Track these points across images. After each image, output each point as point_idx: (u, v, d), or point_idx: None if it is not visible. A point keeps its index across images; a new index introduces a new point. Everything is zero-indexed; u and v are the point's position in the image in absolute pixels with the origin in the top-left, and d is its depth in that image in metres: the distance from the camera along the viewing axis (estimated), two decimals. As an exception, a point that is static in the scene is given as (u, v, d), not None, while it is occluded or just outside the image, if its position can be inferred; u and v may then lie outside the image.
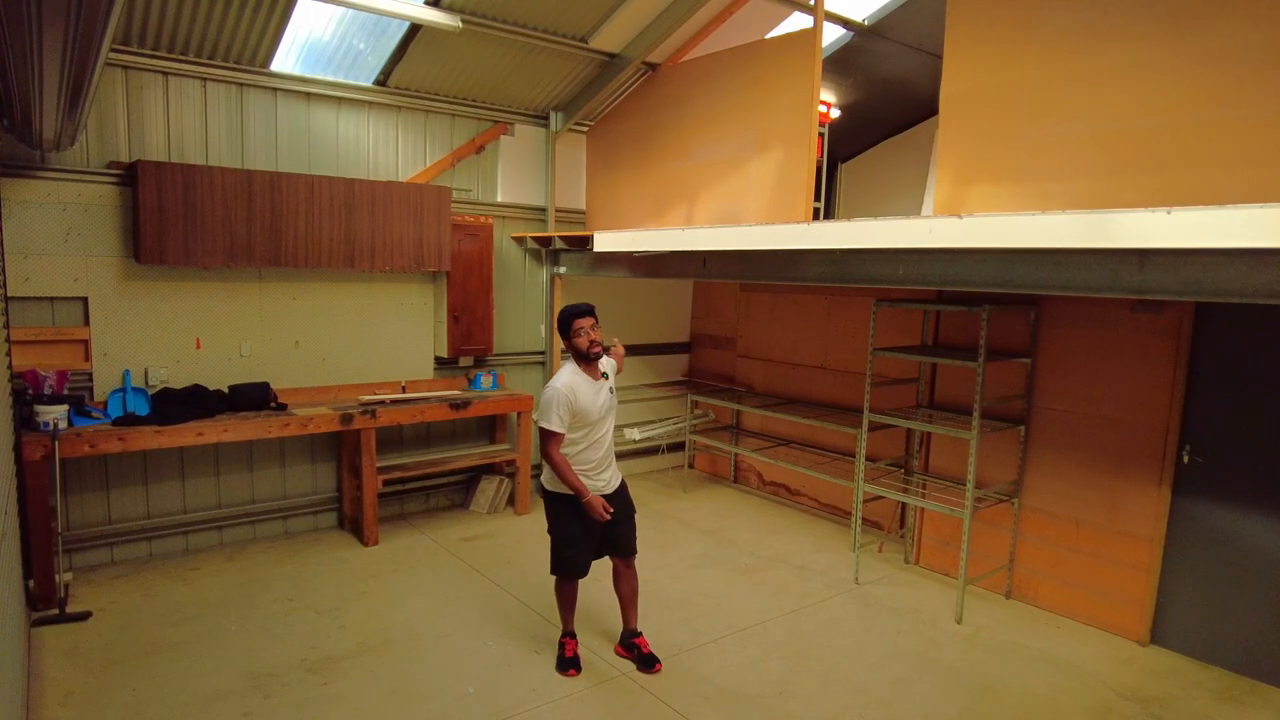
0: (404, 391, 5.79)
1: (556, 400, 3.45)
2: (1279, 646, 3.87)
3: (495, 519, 6.07)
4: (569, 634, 3.88)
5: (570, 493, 3.56)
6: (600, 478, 3.65)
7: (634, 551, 3.83)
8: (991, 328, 4.51)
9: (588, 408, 3.52)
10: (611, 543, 3.76)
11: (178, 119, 4.86)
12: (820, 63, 4.60)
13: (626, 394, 6.91)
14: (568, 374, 3.54)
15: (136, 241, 4.63)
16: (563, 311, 3.59)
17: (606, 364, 3.72)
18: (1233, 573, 4.01)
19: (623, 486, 3.80)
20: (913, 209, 7.00)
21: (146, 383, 4.87)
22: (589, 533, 3.64)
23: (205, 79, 4.90)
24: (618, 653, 3.95)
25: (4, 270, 4.19)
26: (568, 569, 3.70)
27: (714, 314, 7.48)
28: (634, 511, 3.83)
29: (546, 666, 3.83)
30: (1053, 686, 3.83)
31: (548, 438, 3.50)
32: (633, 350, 7.18)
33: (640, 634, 3.92)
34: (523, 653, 3.97)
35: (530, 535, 5.68)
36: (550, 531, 3.71)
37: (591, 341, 3.52)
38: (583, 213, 6.70)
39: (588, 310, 3.58)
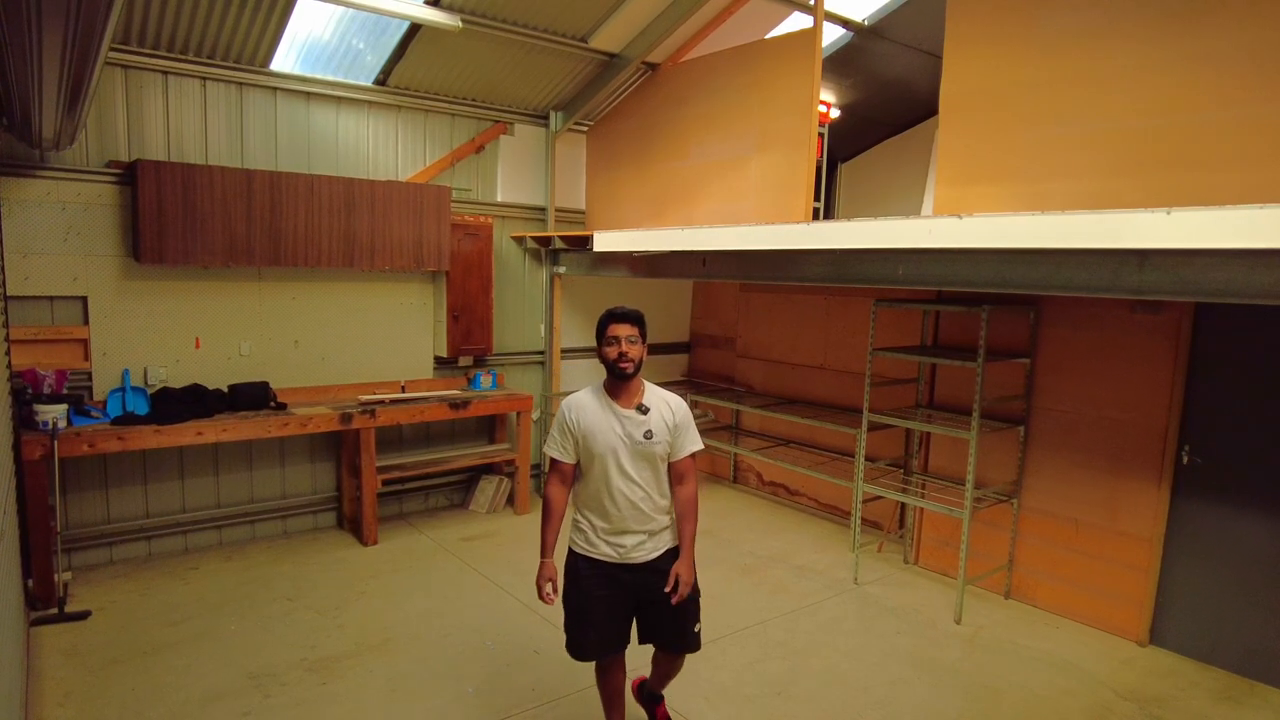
0: (403, 391, 5.79)
1: (557, 419, 2.88)
2: (1278, 647, 3.87)
3: (495, 519, 6.07)
4: None
5: (584, 552, 2.87)
6: (617, 541, 2.82)
7: (686, 649, 2.99)
8: (991, 328, 4.51)
9: (592, 434, 2.78)
10: (649, 629, 2.96)
11: (177, 118, 4.86)
12: (820, 63, 4.60)
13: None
14: (586, 390, 2.89)
15: (136, 241, 4.63)
16: (603, 313, 2.86)
17: (662, 402, 2.85)
18: (1232, 573, 4.01)
19: (665, 563, 2.86)
20: (913, 209, 7.00)
21: (146, 382, 4.87)
22: (598, 608, 2.86)
23: (205, 78, 4.90)
24: (633, 690, 3.35)
25: (3, 269, 4.19)
26: (572, 649, 2.94)
27: (714, 314, 7.48)
28: (692, 595, 2.88)
29: (546, 666, 3.82)
30: (1052, 686, 3.83)
31: (550, 467, 2.90)
32: (632, 350, 7.18)
33: (662, 700, 3.31)
34: (522, 653, 3.97)
35: (530, 535, 5.66)
36: (563, 599, 2.97)
37: (621, 355, 2.75)
38: (583, 213, 6.70)
39: (629, 316, 2.81)
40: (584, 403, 2.84)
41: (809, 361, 6.46)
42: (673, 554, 2.88)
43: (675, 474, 2.87)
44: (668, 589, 2.78)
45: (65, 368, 4.56)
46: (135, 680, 3.59)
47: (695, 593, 2.90)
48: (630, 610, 2.91)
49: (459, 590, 4.70)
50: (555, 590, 2.84)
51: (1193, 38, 3.13)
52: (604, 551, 2.83)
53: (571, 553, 2.92)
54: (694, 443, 2.88)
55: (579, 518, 2.90)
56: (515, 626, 4.24)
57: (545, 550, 2.85)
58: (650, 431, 2.78)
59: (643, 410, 2.80)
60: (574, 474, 2.88)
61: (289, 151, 5.29)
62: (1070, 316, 4.53)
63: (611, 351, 2.78)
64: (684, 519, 2.87)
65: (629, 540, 2.82)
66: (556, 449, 2.86)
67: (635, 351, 2.78)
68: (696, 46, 5.66)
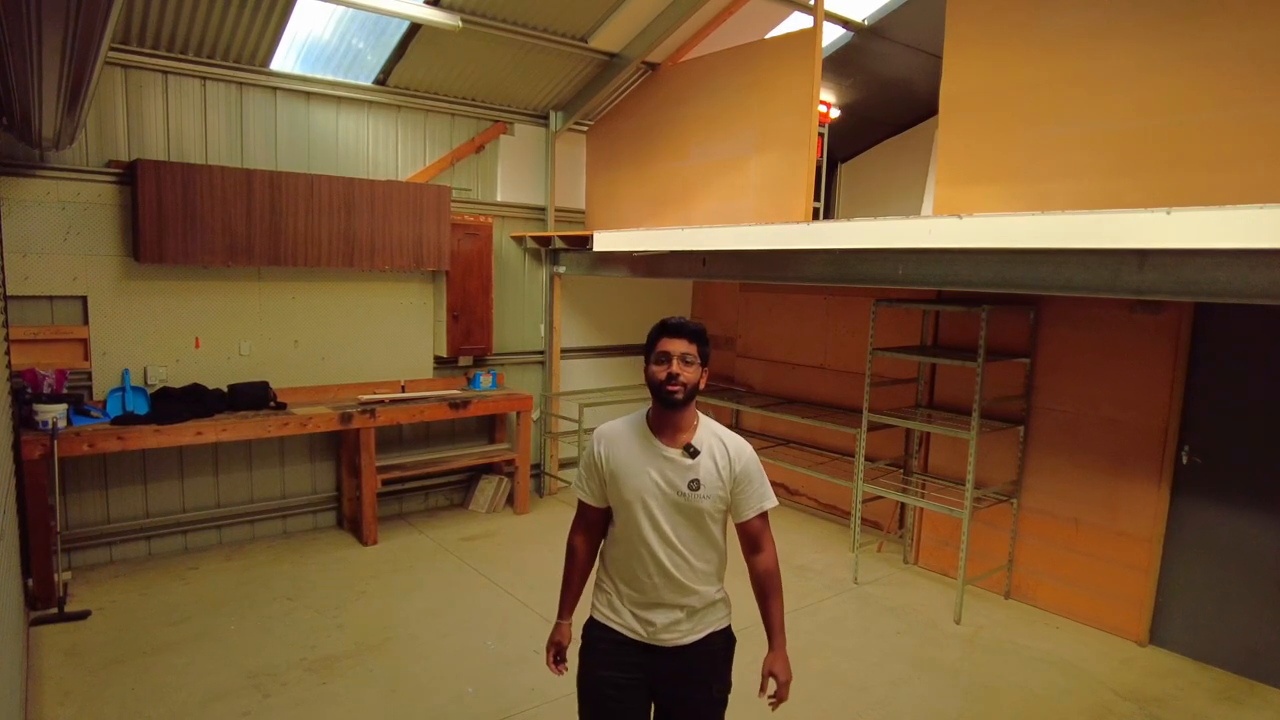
0: (403, 391, 5.79)
1: (585, 452, 2.35)
2: (1278, 647, 3.87)
3: (494, 518, 6.07)
4: None
5: (605, 620, 2.29)
6: (646, 616, 2.23)
7: None
8: (991, 328, 4.51)
9: (622, 474, 2.20)
10: None
11: (177, 118, 4.86)
12: (820, 63, 4.60)
13: (624, 394, 6.92)
14: (624, 419, 2.32)
15: (136, 240, 4.63)
16: (656, 324, 2.27)
17: (718, 443, 2.23)
18: (1232, 573, 4.01)
19: (699, 652, 2.29)
20: (913, 209, 7.00)
21: (146, 382, 4.87)
22: (609, 698, 2.28)
23: (205, 78, 4.90)
24: None
25: (3, 269, 4.19)
26: None
27: (714, 314, 7.47)
28: (715, 699, 2.36)
29: (546, 666, 3.81)
30: (1052, 686, 3.83)
31: (576, 510, 2.39)
32: (633, 350, 7.19)
33: None
34: (522, 652, 3.97)
35: (530, 535, 5.68)
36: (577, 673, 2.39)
37: (670, 376, 2.14)
38: (582, 212, 6.70)
39: (686, 329, 2.20)
40: (617, 434, 2.26)
41: (809, 361, 6.46)
42: (716, 640, 2.29)
43: (745, 539, 2.31)
44: (762, 693, 2.30)
45: (65, 367, 4.56)
46: (135, 680, 3.59)
47: (724, 687, 2.35)
48: (649, 706, 2.31)
49: (459, 590, 4.70)
50: (564, 659, 2.40)
51: (1193, 38, 3.13)
52: (629, 624, 2.24)
53: (591, 619, 2.33)
54: (765, 498, 2.27)
55: (603, 577, 2.35)
56: (515, 626, 4.24)
57: (562, 609, 2.38)
58: (697, 481, 2.17)
59: (690, 452, 2.18)
60: (603, 520, 2.34)
61: (289, 151, 5.29)
62: (1070, 316, 4.53)
63: (659, 371, 2.17)
64: (767, 597, 2.32)
65: (660, 616, 2.23)
66: (581, 488, 2.33)
67: (689, 374, 2.15)
68: (696, 46, 5.66)
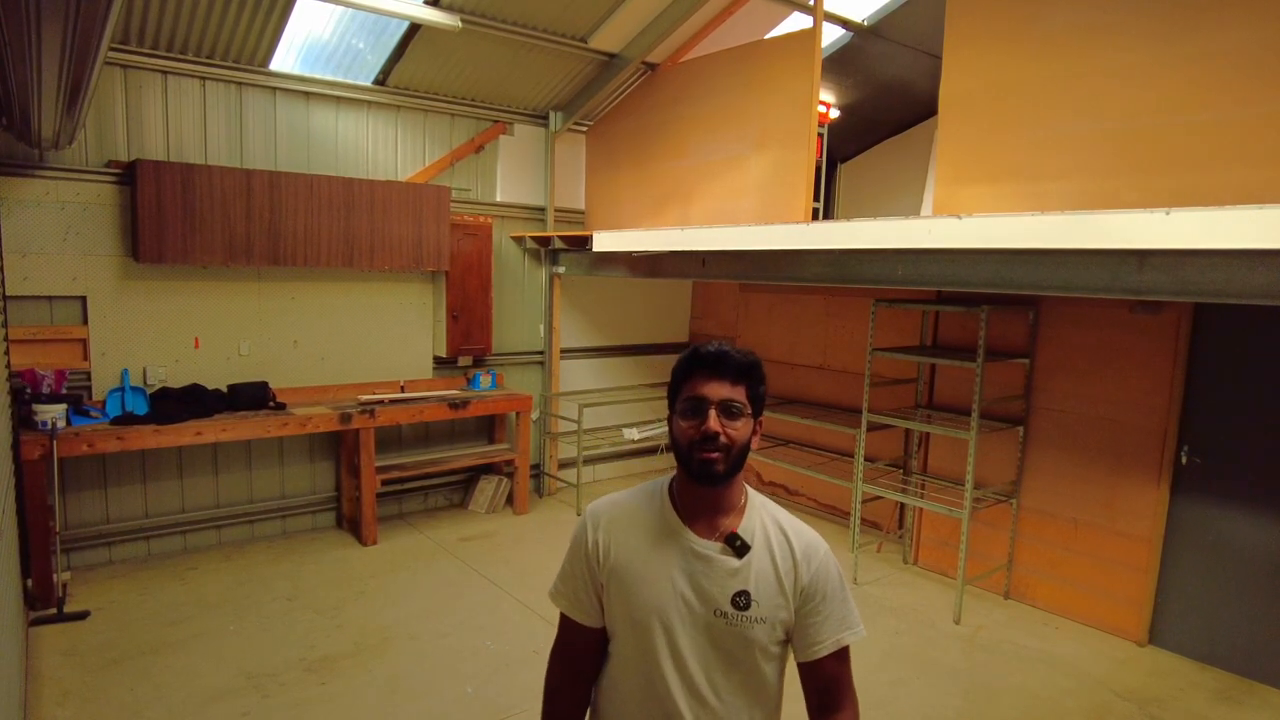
0: (403, 391, 5.79)
1: (573, 538, 1.55)
2: (1277, 647, 3.87)
3: (494, 518, 6.07)
4: None
5: None
6: None
7: None
8: (990, 328, 4.51)
9: (631, 578, 1.45)
10: None
11: (177, 118, 4.86)
12: (820, 63, 4.60)
13: (624, 394, 6.92)
14: (631, 493, 1.55)
15: (135, 240, 4.63)
16: (685, 353, 1.47)
17: (777, 532, 1.48)
18: (1231, 573, 4.01)
19: None
20: (912, 209, 7.00)
21: (145, 382, 4.86)
22: None
23: (204, 78, 4.90)
24: None
25: (2, 269, 4.19)
26: None
27: (713, 314, 7.48)
28: None
29: (545, 666, 3.81)
30: (1051, 687, 3.83)
31: (559, 629, 1.61)
32: (632, 350, 7.19)
33: None
34: (521, 652, 3.97)
35: (529, 535, 5.68)
36: None
37: (706, 436, 1.37)
38: (582, 212, 6.70)
39: (727, 363, 1.40)
40: (623, 516, 1.49)
41: (808, 361, 6.46)
42: None
43: (814, 687, 1.59)
44: None
45: (64, 367, 4.55)
46: (134, 680, 3.58)
47: None
48: None
49: (458, 590, 4.70)
50: None
51: (1193, 36, 3.13)
52: None
53: None
54: (847, 624, 1.54)
55: None
56: (514, 626, 4.24)
57: None
58: (746, 594, 1.41)
59: (736, 547, 1.42)
60: (599, 648, 1.55)
61: (288, 151, 5.29)
62: (1070, 316, 4.53)
63: (689, 428, 1.39)
64: None
65: None
66: (563, 593, 1.54)
67: (736, 431, 1.39)
68: (696, 46, 5.66)
